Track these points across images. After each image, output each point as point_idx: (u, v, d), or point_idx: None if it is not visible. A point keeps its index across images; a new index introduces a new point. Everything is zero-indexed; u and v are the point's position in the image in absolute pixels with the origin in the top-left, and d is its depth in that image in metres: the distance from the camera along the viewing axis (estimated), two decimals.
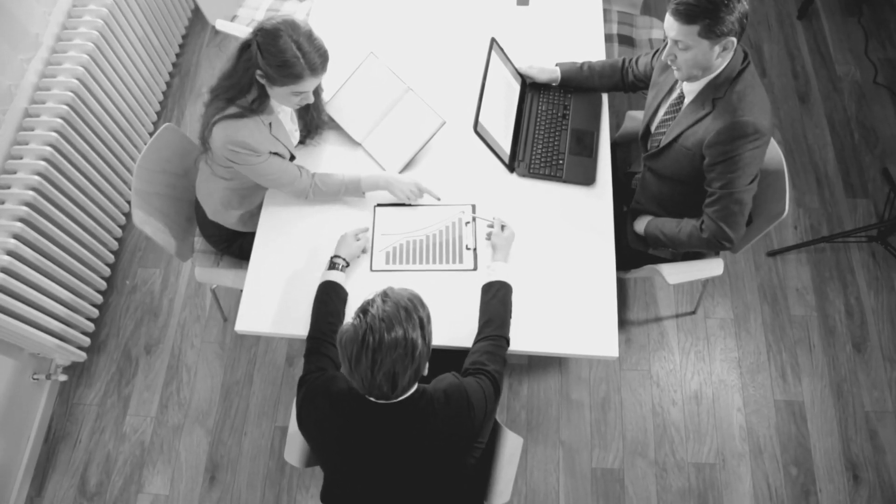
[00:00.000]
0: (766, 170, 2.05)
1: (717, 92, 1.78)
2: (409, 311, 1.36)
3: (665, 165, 1.98)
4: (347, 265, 1.90)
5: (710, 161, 1.81)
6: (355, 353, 1.34)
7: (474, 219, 2.01)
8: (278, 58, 1.68)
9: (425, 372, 1.44)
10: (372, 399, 1.44)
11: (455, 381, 1.53)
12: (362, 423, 1.47)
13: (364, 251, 1.97)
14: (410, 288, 1.45)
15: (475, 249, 1.98)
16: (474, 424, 1.50)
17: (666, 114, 1.97)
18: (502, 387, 1.64)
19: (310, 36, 1.71)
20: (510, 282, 1.80)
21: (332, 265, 1.87)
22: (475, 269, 1.95)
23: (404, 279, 1.92)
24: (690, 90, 1.86)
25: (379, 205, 2.05)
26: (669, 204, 2.07)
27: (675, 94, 1.93)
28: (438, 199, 2.04)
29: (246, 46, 1.73)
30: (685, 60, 1.73)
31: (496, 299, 1.76)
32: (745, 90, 1.76)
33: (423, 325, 1.38)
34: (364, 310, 1.37)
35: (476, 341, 1.71)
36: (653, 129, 2.03)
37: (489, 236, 1.96)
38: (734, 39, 1.68)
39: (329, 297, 1.80)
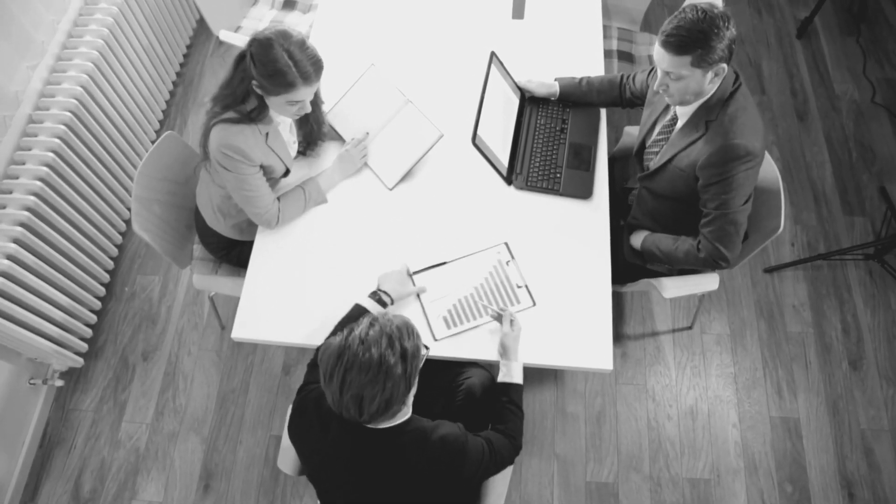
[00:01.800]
0: (762, 186, 2.06)
1: (710, 114, 1.80)
2: (393, 339, 1.32)
3: (660, 185, 2.00)
4: (392, 304, 1.84)
5: (704, 182, 1.83)
6: (329, 368, 1.32)
7: (507, 262, 1.99)
8: (270, 67, 1.70)
9: (404, 406, 1.39)
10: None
11: (457, 433, 1.49)
12: (344, 442, 1.46)
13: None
14: (406, 317, 1.41)
15: (526, 286, 1.95)
16: (461, 477, 1.47)
17: (659, 134, 1.99)
18: (497, 472, 1.62)
19: (302, 45, 1.72)
20: (520, 381, 1.77)
21: (377, 299, 1.81)
22: (534, 304, 1.93)
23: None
24: (683, 113, 1.88)
25: (414, 272, 1.96)
26: (665, 220, 2.08)
27: (668, 116, 1.95)
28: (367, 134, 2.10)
29: (241, 57, 1.75)
30: (677, 89, 1.76)
31: (514, 405, 1.73)
32: (736, 112, 1.78)
33: (406, 356, 1.32)
34: (351, 329, 1.35)
35: (490, 429, 1.69)
36: (647, 146, 2.05)
37: (497, 317, 1.87)
38: (725, 66, 1.70)
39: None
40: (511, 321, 1.82)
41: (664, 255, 2.03)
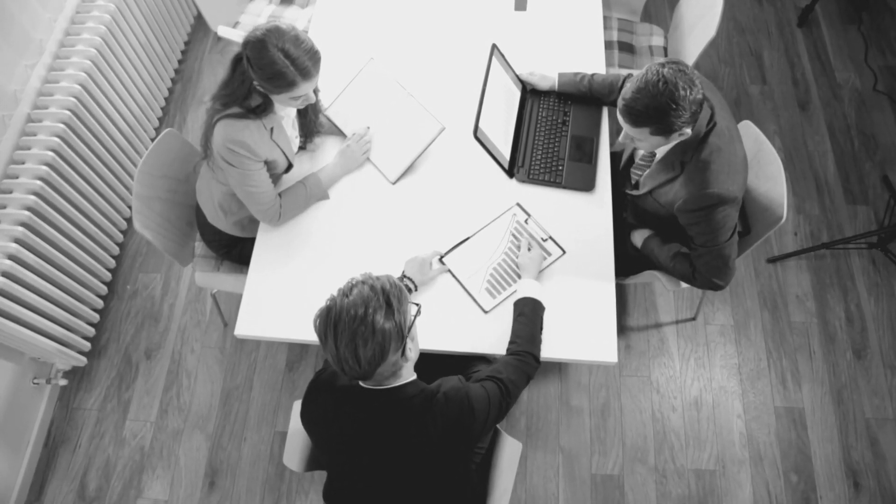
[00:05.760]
0: (766, 175, 2.05)
1: (685, 155, 1.79)
2: (377, 291, 1.36)
3: (647, 208, 2.01)
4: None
5: (685, 223, 1.85)
6: (322, 327, 1.36)
7: (522, 226, 2.02)
8: (268, 70, 1.68)
9: (404, 361, 1.42)
10: (362, 384, 1.46)
11: (458, 385, 1.52)
12: (358, 413, 1.48)
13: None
14: (393, 277, 1.45)
15: (551, 237, 2.00)
16: (472, 431, 1.50)
17: (642, 159, 1.98)
18: (515, 399, 1.62)
19: (296, 40, 1.68)
20: (540, 297, 1.80)
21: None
22: (564, 252, 1.98)
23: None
24: (660, 149, 1.87)
25: (442, 256, 1.97)
26: (659, 228, 2.09)
27: None
28: (368, 128, 2.11)
29: (238, 60, 1.74)
30: (643, 146, 1.78)
31: (524, 316, 1.76)
32: (710, 156, 1.75)
33: (392, 306, 1.36)
34: (339, 291, 1.40)
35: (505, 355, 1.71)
36: (635, 162, 2.04)
37: (518, 249, 1.96)
38: (689, 130, 1.67)
39: None
40: (529, 247, 1.94)
41: (660, 266, 2.05)
